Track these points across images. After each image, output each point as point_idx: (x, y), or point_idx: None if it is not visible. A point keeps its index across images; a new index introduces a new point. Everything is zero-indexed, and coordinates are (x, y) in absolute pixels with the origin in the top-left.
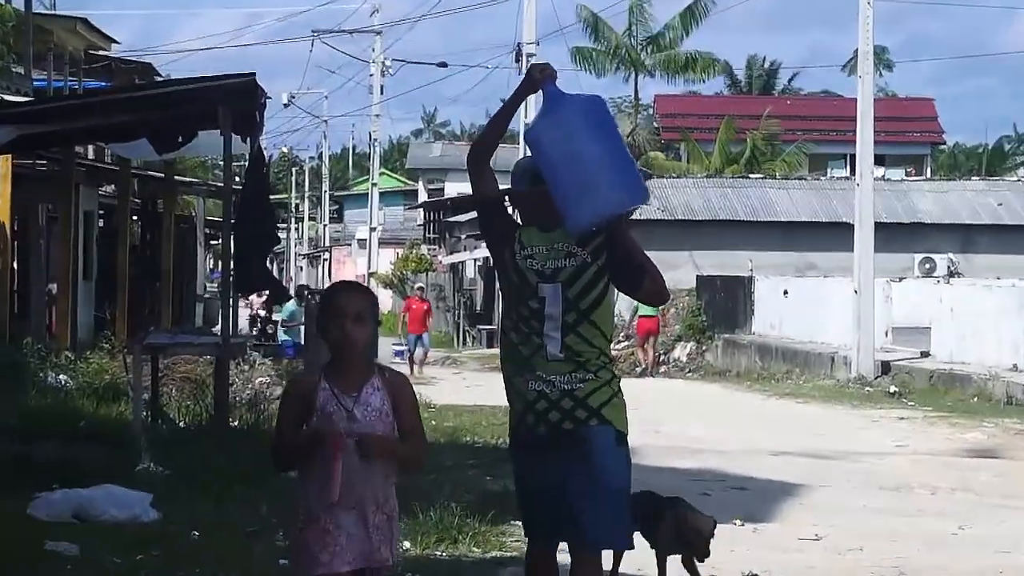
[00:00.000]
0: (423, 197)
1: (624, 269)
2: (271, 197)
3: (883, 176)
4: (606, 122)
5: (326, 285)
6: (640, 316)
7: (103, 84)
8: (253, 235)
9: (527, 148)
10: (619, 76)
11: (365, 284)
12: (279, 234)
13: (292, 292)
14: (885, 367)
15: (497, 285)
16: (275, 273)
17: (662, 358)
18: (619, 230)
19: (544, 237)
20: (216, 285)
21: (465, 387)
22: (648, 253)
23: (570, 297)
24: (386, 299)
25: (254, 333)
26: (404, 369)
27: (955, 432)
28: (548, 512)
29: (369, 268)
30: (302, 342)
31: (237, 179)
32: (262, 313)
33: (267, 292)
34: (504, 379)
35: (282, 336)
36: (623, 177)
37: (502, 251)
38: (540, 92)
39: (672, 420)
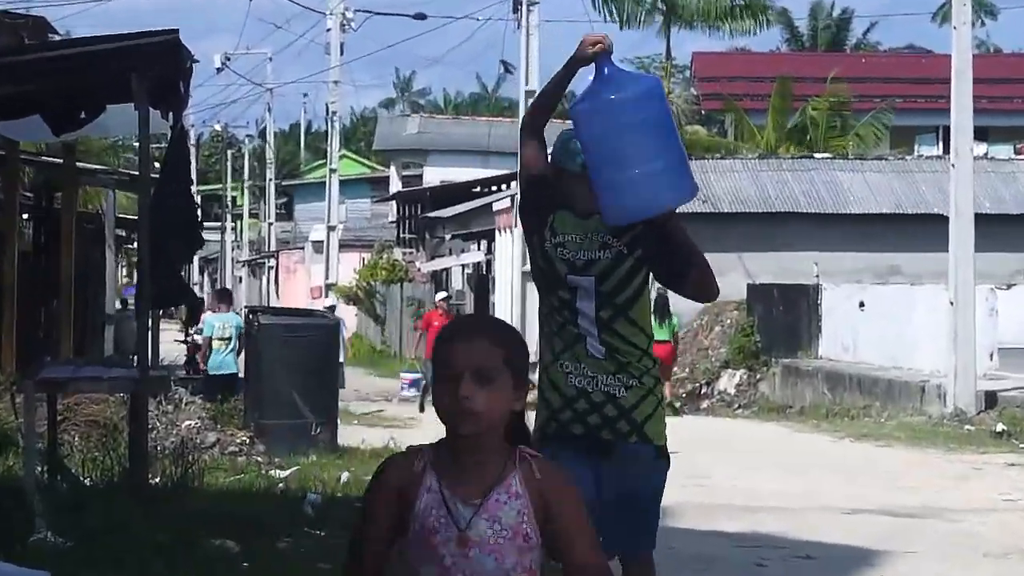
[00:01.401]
0: (396, 186)
1: (666, 259)
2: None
3: (986, 154)
4: (661, 110)
5: (274, 302)
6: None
7: None
8: (172, 236)
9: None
10: (649, 27)
11: (499, 320)
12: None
13: (219, 302)
14: (990, 399)
15: (492, 298)
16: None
17: (703, 390)
18: (664, 220)
19: (579, 224)
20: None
21: None
22: None
23: (604, 292)
24: (349, 318)
25: (183, 363)
26: (415, 407)
27: None
28: None
29: (327, 278)
30: (238, 371)
31: (156, 165)
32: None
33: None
34: (539, 368)
35: (217, 358)
36: (672, 175)
37: (533, 234)
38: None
39: (718, 470)
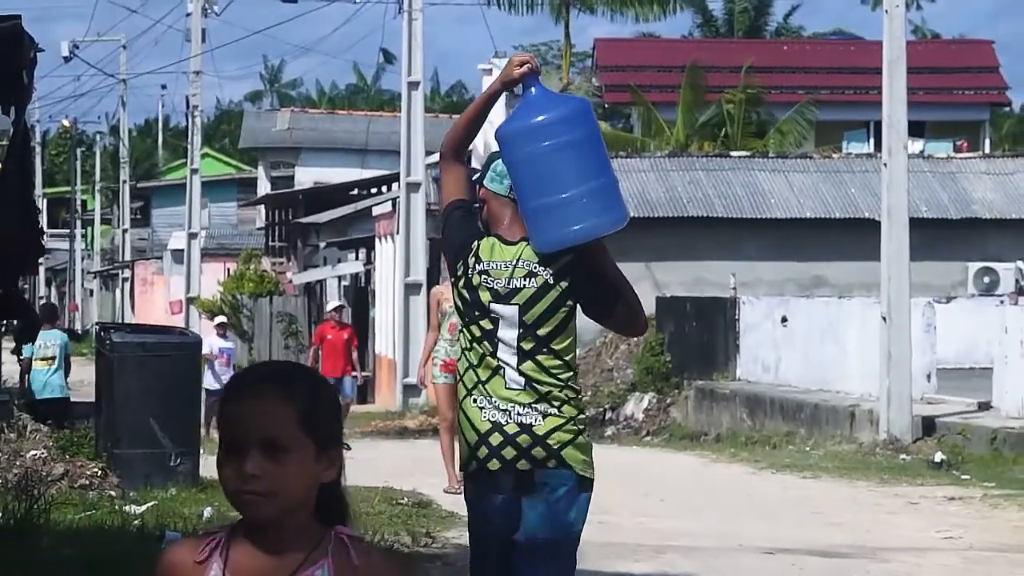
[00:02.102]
0: (265, 188)
1: (594, 292)
2: (46, 191)
3: (922, 152)
4: (590, 133)
5: (129, 318)
6: None
7: None
8: (7, 244)
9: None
10: (544, 12)
11: (297, 369)
12: (50, 243)
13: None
14: (928, 425)
15: (372, 313)
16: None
17: (607, 416)
18: (593, 249)
19: (505, 251)
20: None
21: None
22: None
23: (527, 322)
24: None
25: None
26: None
27: None
28: (497, 553)
29: (188, 291)
30: (68, 394)
31: None
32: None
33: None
34: (458, 402)
35: (40, 379)
36: (601, 200)
37: (457, 261)
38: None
39: (623, 505)
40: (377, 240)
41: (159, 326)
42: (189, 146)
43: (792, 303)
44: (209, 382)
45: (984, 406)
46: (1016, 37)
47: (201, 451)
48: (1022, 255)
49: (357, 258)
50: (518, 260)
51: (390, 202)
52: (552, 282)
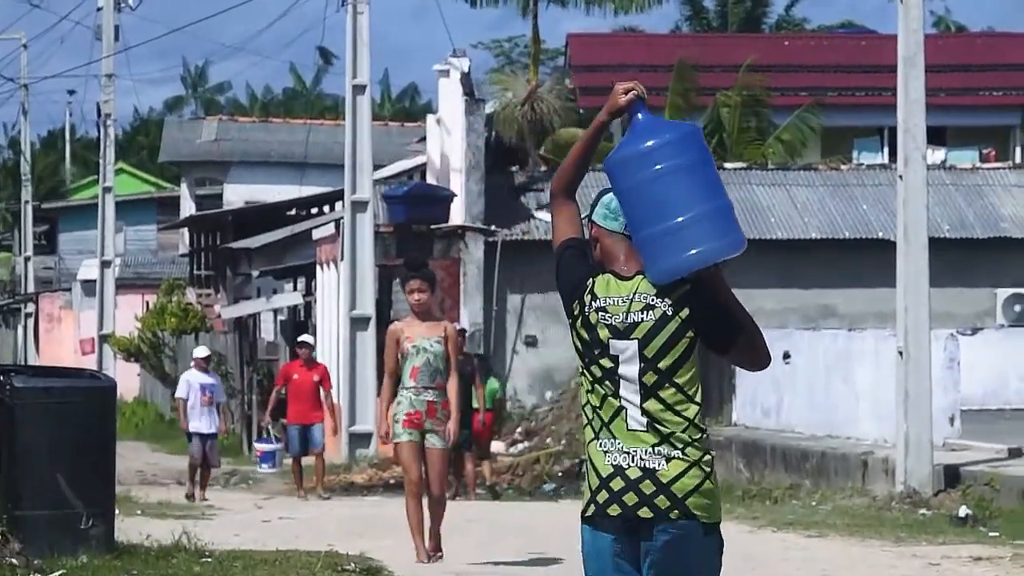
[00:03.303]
0: (189, 209)
1: (714, 323)
2: None
3: (944, 162)
4: (700, 156)
5: (33, 359)
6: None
7: None
8: None
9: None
10: (510, 4)
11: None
12: None
13: None
14: (951, 476)
15: (313, 352)
16: None
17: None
18: (711, 279)
19: (621, 286)
20: None
21: (263, 521)
22: (554, 295)
23: (648, 356)
24: (130, 376)
25: None
26: (273, 481)
27: None
28: None
29: (101, 328)
30: None
31: None
32: None
33: None
34: (583, 446)
35: None
36: (716, 223)
37: (573, 301)
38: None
39: None
40: (318, 267)
41: (68, 368)
42: (101, 160)
43: (796, 336)
44: (195, 425)
45: (1015, 452)
46: None
47: (117, 512)
48: None
49: (295, 288)
50: (635, 294)
51: (333, 224)
52: (671, 313)
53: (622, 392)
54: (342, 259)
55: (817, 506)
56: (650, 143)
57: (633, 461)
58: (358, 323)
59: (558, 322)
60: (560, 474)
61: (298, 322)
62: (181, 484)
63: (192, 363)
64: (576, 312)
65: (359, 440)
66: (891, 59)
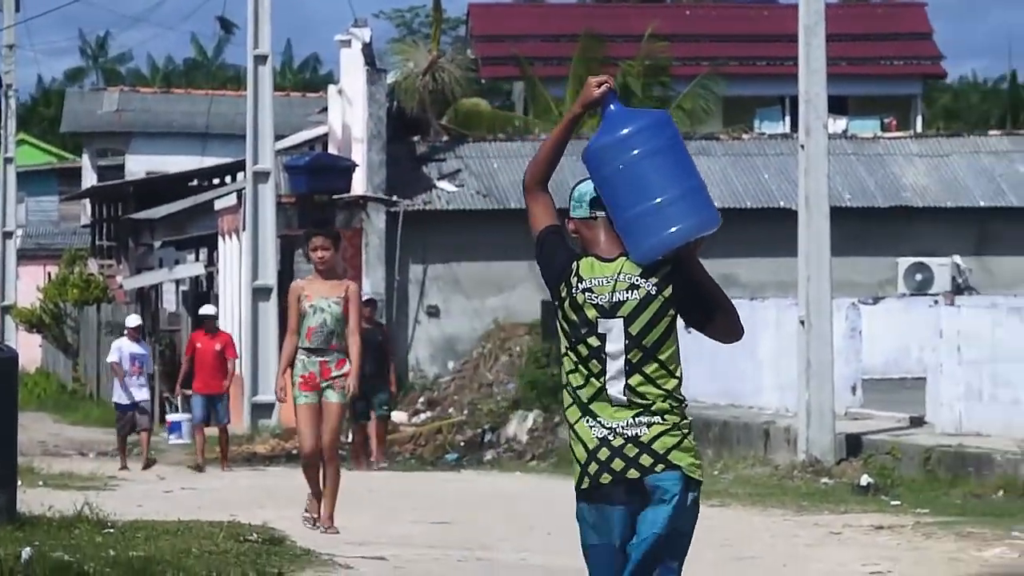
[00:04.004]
0: (91, 179)
1: (694, 301)
2: None
3: (846, 132)
4: (671, 139)
5: None
6: None
7: None
8: None
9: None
10: None
11: None
12: None
13: None
14: (853, 444)
15: (216, 321)
16: None
17: (487, 438)
18: (688, 258)
19: (605, 267)
20: None
21: (165, 492)
22: (457, 265)
23: (633, 333)
24: (32, 347)
25: None
26: (176, 452)
27: (967, 547)
28: (612, 566)
29: (2, 299)
30: None
31: None
32: None
33: None
34: (568, 425)
35: None
36: (693, 202)
37: (559, 286)
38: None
39: (504, 539)
40: (220, 238)
41: None
42: (2, 131)
43: None
44: (119, 395)
45: (917, 421)
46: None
47: (19, 483)
48: (959, 249)
49: (197, 259)
50: (619, 274)
51: (235, 194)
52: (655, 292)
53: (607, 369)
54: (244, 230)
55: (719, 475)
56: (625, 131)
57: (617, 432)
58: (260, 293)
59: (460, 292)
60: (463, 444)
61: (200, 293)
62: (84, 455)
63: (124, 332)
64: (563, 295)
65: (261, 410)
66: (792, 28)
